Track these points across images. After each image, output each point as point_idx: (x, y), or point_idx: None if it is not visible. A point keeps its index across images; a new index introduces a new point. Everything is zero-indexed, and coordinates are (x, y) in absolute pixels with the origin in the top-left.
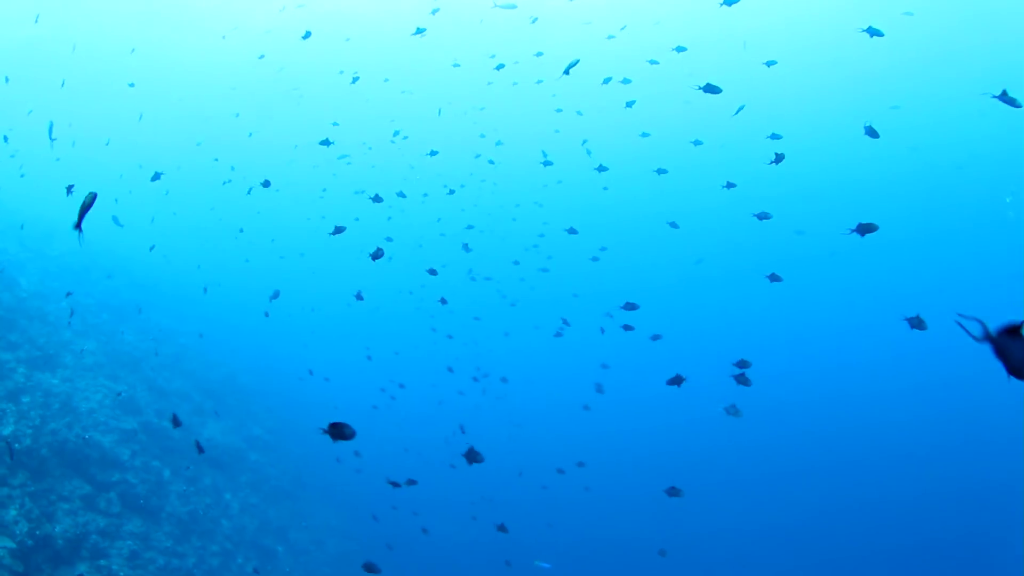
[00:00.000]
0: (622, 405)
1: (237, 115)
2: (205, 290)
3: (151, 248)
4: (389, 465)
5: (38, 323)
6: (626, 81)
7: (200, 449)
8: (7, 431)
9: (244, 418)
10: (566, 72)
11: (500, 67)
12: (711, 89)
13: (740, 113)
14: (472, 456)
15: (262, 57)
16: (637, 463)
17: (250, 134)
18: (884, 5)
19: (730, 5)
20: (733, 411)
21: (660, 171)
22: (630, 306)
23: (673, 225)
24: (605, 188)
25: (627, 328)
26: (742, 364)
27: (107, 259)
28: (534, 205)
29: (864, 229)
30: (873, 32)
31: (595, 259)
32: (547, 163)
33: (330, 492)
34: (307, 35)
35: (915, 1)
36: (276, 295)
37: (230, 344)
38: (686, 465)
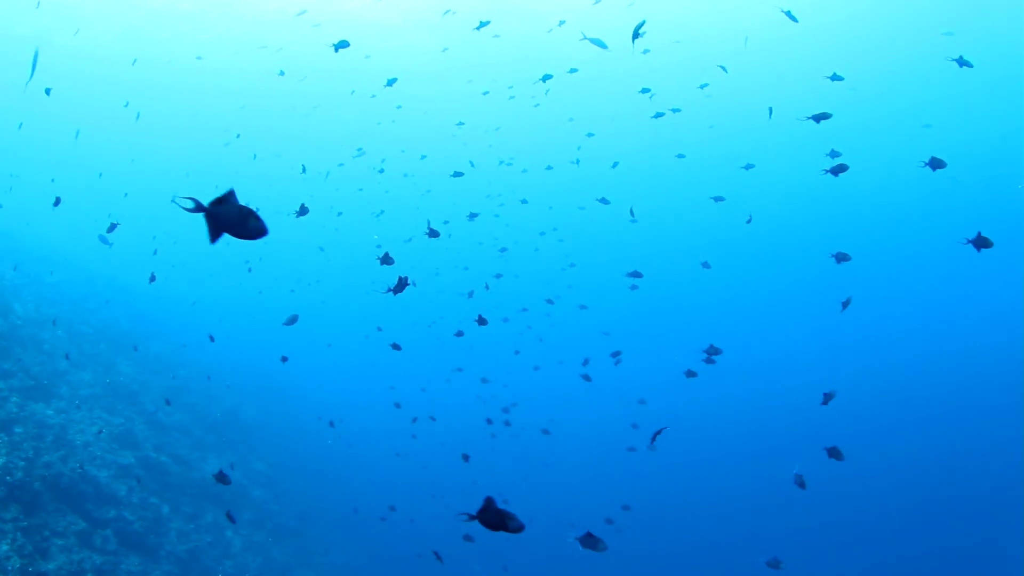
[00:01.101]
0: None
1: (238, 136)
2: (211, 338)
3: (151, 279)
4: (410, 510)
5: (33, 351)
6: (675, 111)
7: (225, 480)
8: None
9: (246, 453)
10: (635, 36)
11: (547, 77)
12: (820, 117)
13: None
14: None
15: (282, 74)
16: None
17: (254, 156)
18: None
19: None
20: (799, 481)
21: (717, 199)
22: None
23: (705, 265)
24: (633, 220)
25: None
26: (711, 351)
27: (106, 288)
28: (554, 232)
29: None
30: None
31: (634, 287)
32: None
33: (337, 531)
34: (342, 44)
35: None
36: (294, 320)
37: (234, 378)
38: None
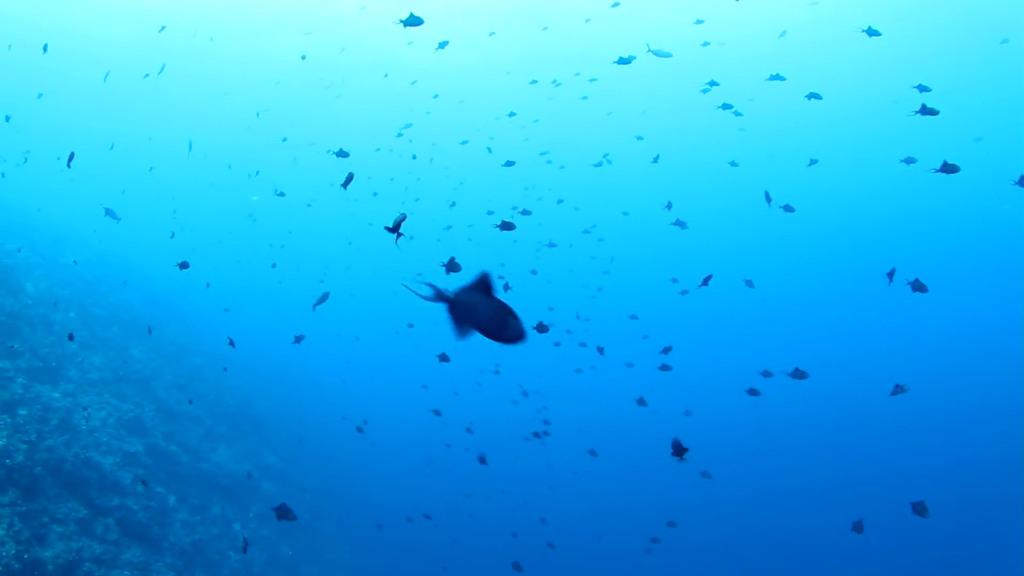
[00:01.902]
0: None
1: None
2: (231, 342)
3: (181, 266)
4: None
5: (42, 332)
6: (737, 114)
7: (290, 515)
8: None
9: (258, 445)
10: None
11: (593, 80)
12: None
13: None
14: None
15: (304, 58)
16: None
17: (284, 139)
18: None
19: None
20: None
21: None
22: None
23: (749, 284)
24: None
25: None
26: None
27: (121, 270)
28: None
29: None
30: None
31: (684, 292)
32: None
33: (346, 527)
34: (414, 21)
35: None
36: (325, 298)
37: (251, 368)
38: None
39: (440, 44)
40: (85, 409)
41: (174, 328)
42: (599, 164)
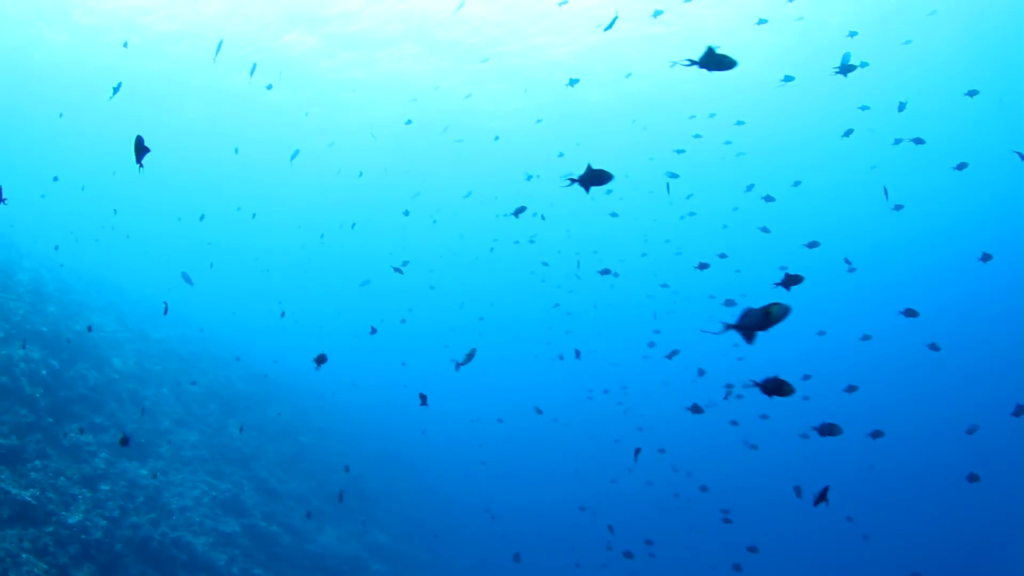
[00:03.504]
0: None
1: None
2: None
3: (318, 362)
4: None
5: (130, 407)
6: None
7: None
8: (74, 519)
9: (368, 523)
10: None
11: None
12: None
13: None
14: None
15: (408, 123)
16: None
17: (418, 194)
18: None
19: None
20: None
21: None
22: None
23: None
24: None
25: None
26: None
27: (221, 348)
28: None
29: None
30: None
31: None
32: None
33: None
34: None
35: None
36: (471, 356)
37: (356, 442)
38: None
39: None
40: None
41: (278, 405)
42: None
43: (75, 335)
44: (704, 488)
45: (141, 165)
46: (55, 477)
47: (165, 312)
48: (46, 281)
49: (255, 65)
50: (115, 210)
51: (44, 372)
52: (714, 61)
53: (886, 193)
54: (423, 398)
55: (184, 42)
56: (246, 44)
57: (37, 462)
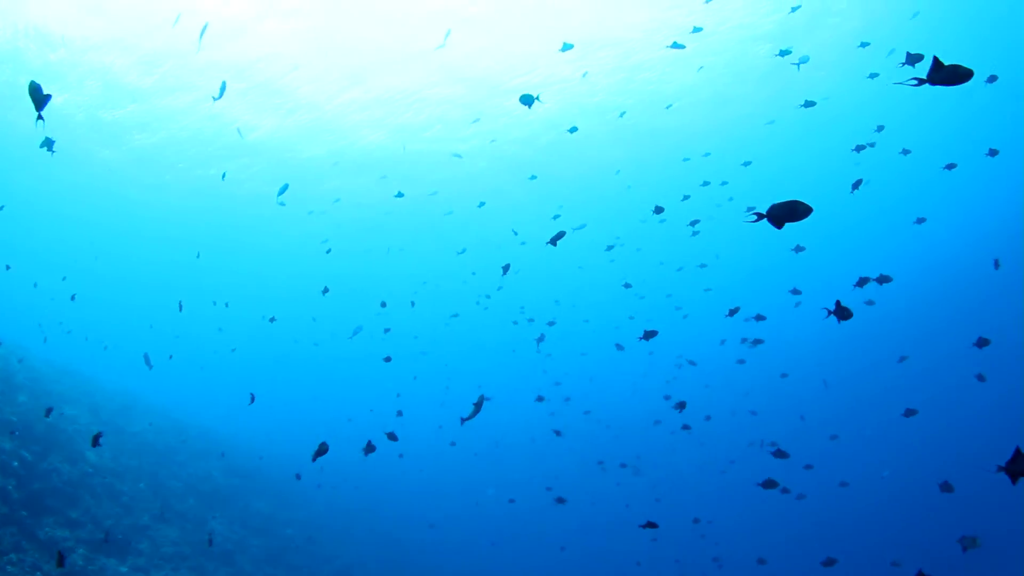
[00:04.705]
0: None
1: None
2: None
3: (317, 454)
4: None
5: (108, 503)
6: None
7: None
8: None
9: None
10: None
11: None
12: None
13: None
14: None
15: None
16: None
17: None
18: None
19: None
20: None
21: None
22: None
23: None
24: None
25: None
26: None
27: (202, 443)
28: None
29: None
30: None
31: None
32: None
33: None
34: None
35: None
36: (479, 407)
37: (345, 532)
38: None
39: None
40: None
41: (261, 499)
42: None
43: (47, 426)
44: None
45: (41, 117)
46: (32, 572)
47: (147, 363)
48: (16, 371)
49: (224, 84)
50: (72, 296)
51: (16, 464)
52: (946, 74)
53: (857, 184)
54: (370, 446)
55: (156, 134)
56: (213, 140)
57: (13, 555)
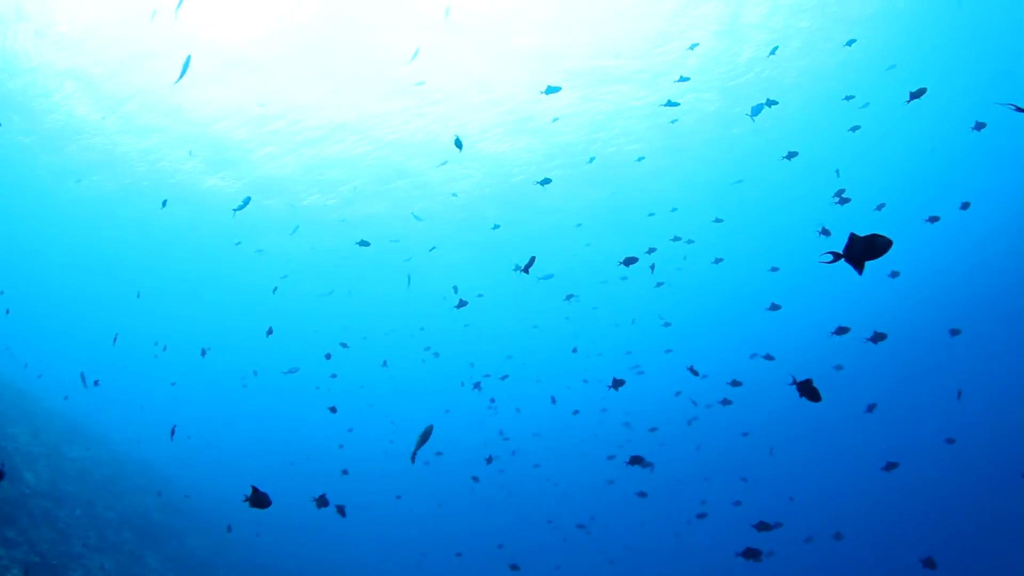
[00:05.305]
0: None
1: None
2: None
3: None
4: None
5: (44, 527)
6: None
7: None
8: None
9: None
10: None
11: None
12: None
13: None
14: None
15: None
16: None
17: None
18: None
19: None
20: None
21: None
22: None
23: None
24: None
25: None
26: None
27: (140, 477)
28: None
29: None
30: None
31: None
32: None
33: None
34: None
35: None
36: (427, 436)
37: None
38: None
39: None
40: None
41: (197, 539)
42: None
43: None
44: None
45: None
46: None
47: (82, 381)
48: None
49: (188, 60)
50: (7, 310)
51: None
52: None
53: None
54: (340, 509)
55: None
56: (168, 184)
57: None
